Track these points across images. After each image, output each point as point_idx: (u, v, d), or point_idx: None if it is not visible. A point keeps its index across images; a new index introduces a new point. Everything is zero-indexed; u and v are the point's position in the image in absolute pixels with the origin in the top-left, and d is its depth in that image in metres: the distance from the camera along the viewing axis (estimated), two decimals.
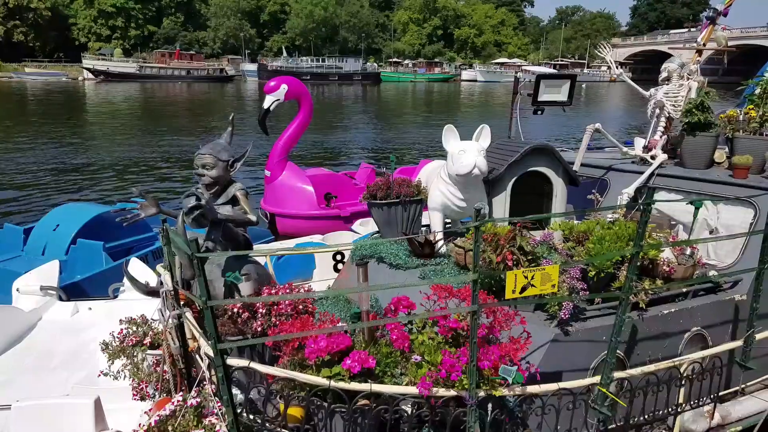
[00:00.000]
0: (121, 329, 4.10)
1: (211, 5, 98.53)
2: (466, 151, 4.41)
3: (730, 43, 6.01)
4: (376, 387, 2.82)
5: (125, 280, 5.85)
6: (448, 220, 5.23)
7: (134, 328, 4.15)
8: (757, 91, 5.72)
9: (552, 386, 3.06)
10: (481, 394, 2.88)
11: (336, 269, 7.30)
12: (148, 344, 4.00)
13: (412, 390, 2.83)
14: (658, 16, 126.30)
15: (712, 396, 3.71)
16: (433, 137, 27.07)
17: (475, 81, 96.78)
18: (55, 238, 7.78)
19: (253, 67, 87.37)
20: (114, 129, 30.55)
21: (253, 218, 3.95)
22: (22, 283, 6.31)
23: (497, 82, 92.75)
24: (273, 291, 3.64)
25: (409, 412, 2.95)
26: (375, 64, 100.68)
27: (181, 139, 26.22)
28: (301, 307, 3.58)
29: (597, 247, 3.65)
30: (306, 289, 3.78)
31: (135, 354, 4.10)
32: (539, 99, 5.51)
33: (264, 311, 3.50)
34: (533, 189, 5.11)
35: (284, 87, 10.77)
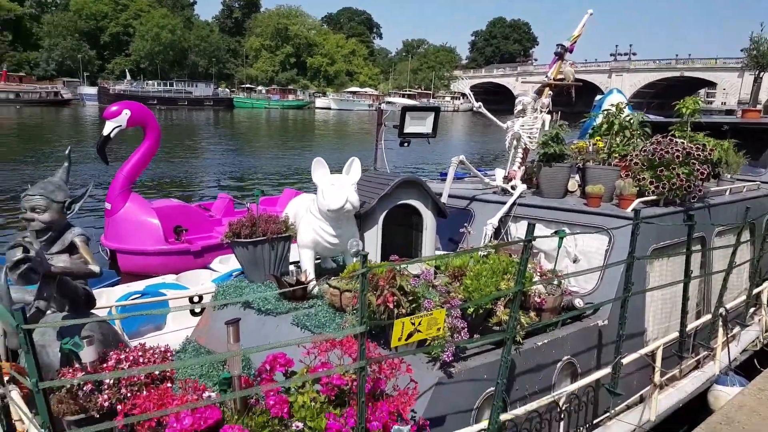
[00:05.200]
0: None
1: (44, 24, 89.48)
2: (337, 186, 4.23)
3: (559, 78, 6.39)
4: None
5: None
6: (318, 258, 4.97)
7: None
8: (598, 122, 6.19)
9: None
10: None
11: (193, 313, 6.67)
12: None
13: None
14: (494, 50, 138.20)
15: (587, 425, 3.80)
16: (292, 165, 26.63)
17: (329, 109, 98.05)
18: None
19: (93, 90, 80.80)
20: None
21: (96, 269, 3.39)
22: None
23: (350, 110, 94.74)
24: (122, 356, 3.10)
25: None
26: (227, 90, 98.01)
27: (8, 172, 23.15)
28: (157, 372, 3.09)
29: (475, 284, 3.60)
30: (163, 350, 3.28)
31: None
32: (405, 131, 5.49)
33: (111, 381, 2.97)
34: (402, 221, 5.04)
35: (126, 112, 9.87)
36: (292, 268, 5.13)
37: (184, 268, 9.27)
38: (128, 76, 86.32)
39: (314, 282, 4.44)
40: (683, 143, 5.10)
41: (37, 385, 2.16)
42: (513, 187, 5.54)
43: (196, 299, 6.66)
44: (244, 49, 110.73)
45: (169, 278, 7.92)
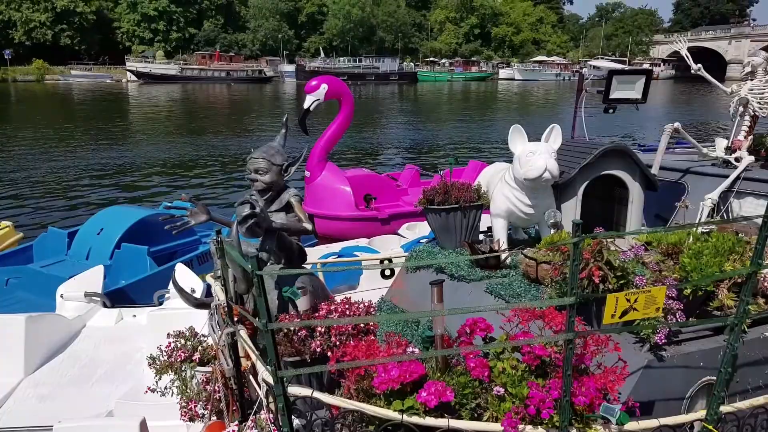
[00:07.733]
0: (169, 342, 3.86)
1: (250, 7, 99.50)
2: (536, 154, 4.07)
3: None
4: (455, 423, 2.50)
5: (171, 286, 5.67)
6: (509, 228, 4.87)
7: (182, 342, 3.91)
8: None
9: (652, 423, 2.68)
10: None
11: (383, 275, 7.00)
12: (197, 360, 3.76)
13: (496, 427, 2.50)
14: (702, 11, 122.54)
15: None
16: (475, 137, 26.50)
17: (513, 79, 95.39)
18: (100, 242, 7.71)
19: (291, 68, 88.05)
20: (157, 130, 30.99)
21: (309, 226, 3.68)
22: (66, 289, 6.21)
23: (535, 81, 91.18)
24: (332, 307, 3.35)
25: None
26: (412, 64, 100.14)
27: (222, 140, 26.36)
28: (362, 325, 3.28)
29: (694, 262, 3.24)
30: (366, 305, 3.48)
31: (183, 370, 3.86)
32: (611, 96, 5.09)
33: (323, 329, 3.22)
34: (602, 193, 4.72)
35: (324, 86, 10.58)
36: (482, 237, 5.11)
37: (373, 233, 9.78)
38: (322, 54, 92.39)
39: (507, 251, 4.36)
40: None
41: (266, 326, 2.41)
42: (737, 159, 4.88)
43: (386, 262, 6.99)
44: (429, 23, 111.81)
45: (362, 242, 8.43)
